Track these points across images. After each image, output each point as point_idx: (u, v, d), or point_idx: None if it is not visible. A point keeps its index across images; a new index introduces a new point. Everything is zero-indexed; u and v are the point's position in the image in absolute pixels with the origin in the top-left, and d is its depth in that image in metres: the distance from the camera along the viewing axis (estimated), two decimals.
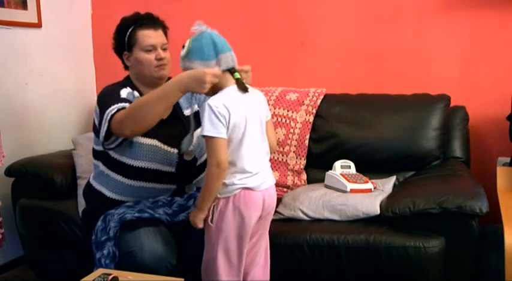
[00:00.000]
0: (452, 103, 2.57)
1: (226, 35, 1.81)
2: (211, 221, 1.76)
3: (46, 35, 2.93)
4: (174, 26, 2.20)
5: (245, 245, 1.79)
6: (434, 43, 2.72)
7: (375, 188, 2.31)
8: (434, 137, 2.50)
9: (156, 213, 1.97)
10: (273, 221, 1.94)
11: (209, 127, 1.69)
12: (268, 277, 1.91)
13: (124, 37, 2.07)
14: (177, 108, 2.08)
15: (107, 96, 1.99)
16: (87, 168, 2.46)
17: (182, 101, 2.10)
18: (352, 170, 2.41)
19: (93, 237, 1.95)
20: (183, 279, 1.67)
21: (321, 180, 2.45)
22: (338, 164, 2.41)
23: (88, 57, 3.27)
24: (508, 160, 2.47)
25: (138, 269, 1.77)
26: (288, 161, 2.67)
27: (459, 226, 1.99)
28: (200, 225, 1.77)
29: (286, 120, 2.70)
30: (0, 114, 2.64)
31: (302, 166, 2.65)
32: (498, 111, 2.51)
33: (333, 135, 2.62)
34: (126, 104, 1.92)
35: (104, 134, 1.91)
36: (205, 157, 2.02)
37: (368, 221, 2.13)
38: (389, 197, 2.21)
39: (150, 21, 2.08)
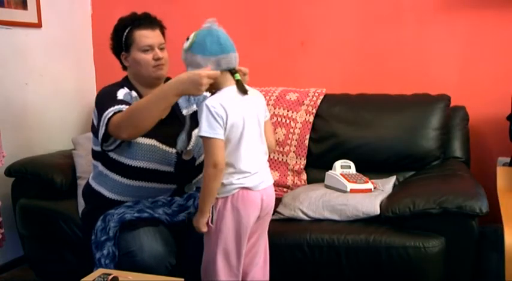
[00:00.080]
0: (452, 103, 2.57)
1: None
2: (211, 221, 1.76)
3: (46, 35, 2.93)
4: (172, 25, 2.20)
5: (243, 245, 1.78)
6: (434, 43, 2.72)
7: (375, 188, 2.31)
8: (434, 137, 2.50)
9: (155, 213, 1.97)
10: (273, 221, 1.94)
11: (206, 128, 1.68)
12: (267, 277, 1.91)
13: (121, 37, 2.07)
14: (175, 108, 2.08)
15: (104, 98, 1.99)
16: (87, 168, 2.46)
17: (181, 101, 2.10)
18: (352, 170, 2.41)
19: (93, 237, 1.95)
20: (183, 279, 1.67)
21: (321, 180, 2.45)
22: (338, 164, 2.41)
23: (88, 57, 3.27)
24: (508, 160, 2.47)
25: (137, 269, 1.77)
26: (288, 161, 2.67)
27: (459, 226, 1.99)
28: (204, 229, 1.76)
29: (286, 120, 2.69)
30: (0, 114, 2.64)
31: (302, 166, 2.65)
32: (498, 111, 2.51)
33: (333, 135, 2.61)
34: (123, 106, 1.92)
35: (101, 136, 1.92)
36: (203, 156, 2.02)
37: (368, 221, 2.13)
38: (389, 197, 2.21)
39: (147, 21, 2.08)
